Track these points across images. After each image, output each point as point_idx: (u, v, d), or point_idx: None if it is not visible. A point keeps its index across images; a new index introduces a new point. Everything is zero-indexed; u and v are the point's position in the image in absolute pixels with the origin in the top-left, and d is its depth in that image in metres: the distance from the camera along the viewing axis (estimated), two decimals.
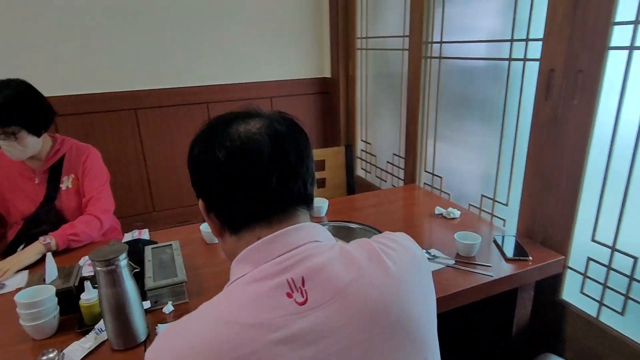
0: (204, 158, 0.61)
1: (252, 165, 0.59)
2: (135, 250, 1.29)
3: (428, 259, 1.31)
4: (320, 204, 1.66)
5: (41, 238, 1.39)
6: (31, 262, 1.34)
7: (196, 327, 0.54)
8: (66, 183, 1.55)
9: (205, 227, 1.48)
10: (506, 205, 1.64)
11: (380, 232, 1.48)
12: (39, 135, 1.44)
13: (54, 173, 1.53)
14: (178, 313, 1.10)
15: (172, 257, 1.26)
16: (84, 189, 1.57)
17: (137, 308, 0.97)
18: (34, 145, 1.44)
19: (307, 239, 0.60)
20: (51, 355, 0.92)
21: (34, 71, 2.17)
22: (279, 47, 2.74)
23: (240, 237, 0.62)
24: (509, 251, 1.36)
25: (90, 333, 1.00)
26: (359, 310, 0.56)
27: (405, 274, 0.62)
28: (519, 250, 1.36)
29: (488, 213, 1.72)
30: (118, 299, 0.93)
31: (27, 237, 1.48)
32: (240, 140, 0.60)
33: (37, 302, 0.98)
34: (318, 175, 2.12)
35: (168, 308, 1.10)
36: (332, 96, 2.92)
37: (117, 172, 2.41)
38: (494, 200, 1.69)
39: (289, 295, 0.55)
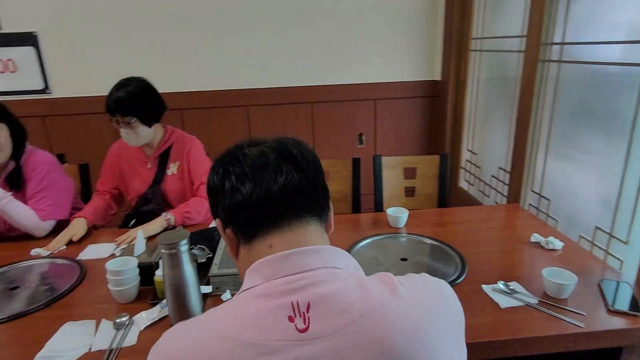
0: (220, 176, 0.66)
1: (259, 170, 0.63)
2: (212, 238, 1.41)
3: (504, 292, 1.15)
4: (399, 214, 1.59)
5: (163, 214, 1.61)
6: (154, 234, 1.54)
7: (197, 334, 0.56)
8: (172, 169, 1.77)
9: None
10: (626, 243, 1.35)
11: (458, 252, 1.36)
12: (149, 125, 1.66)
13: (163, 159, 1.76)
14: None
15: None
16: (192, 175, 1.76)
17: (193, 291, 1.05)
18: (145, 134, 1.66)
19: (322, 264, 0.59)
20: (124, 319, 1.07)
21: (159, 69, 2.50)
22: (387, 47, 2.69)
23: (252, 247, 0.63)
24: (619, 301, 1.11)
25: (156, 306, 1.12)
26: (365, 348, 0.52)
27: (426, 316, 0.56)
28: (633, 303, 1.11)
29: (602, 249, 1.43)
30: (177, 280, 1.02)
31: (137, 213, 1.74)
32: (251, 155, 0.65)
33: (122, 271, 1.14)
34: (408, 183, 2.03)
35: (226, 296, 1.17)
36: (440, 100, 2.76)
37: None
38: (610, 235, 1.41)
39: (291, 319, 0.54)
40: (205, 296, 1.16)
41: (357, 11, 2.59)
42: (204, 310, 1.10)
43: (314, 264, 0.58)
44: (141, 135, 1.66)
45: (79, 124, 2.55)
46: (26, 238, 1.59)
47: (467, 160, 2.62)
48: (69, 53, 2.44)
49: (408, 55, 2.72)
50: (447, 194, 2.04)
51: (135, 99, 1.61)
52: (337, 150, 2.82)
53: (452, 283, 1.19)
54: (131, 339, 1.02)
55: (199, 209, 1.68)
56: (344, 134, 2.81)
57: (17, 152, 1.59)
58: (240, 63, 2.59)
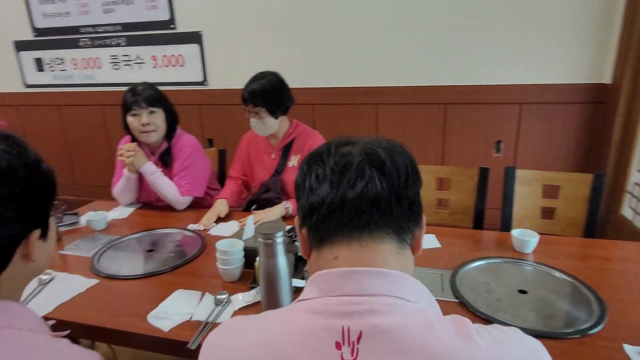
0: (303, 174, 0.62)
1: (339, 172, 0.57)
2: None
3: None
4: (527, 237, 1.37)
5: (283, 202, 1.73)
6: (273, 219, 1.62)
7: (243, 335, 0.55)
8: (293, 161, 1.84)
9: None
10: None
11: (598, 295, 1.10)
12: (276, 117, 1.75)
13: (286, 151, 1.85)
14: None
15: None
16: None
17: (285, 282, 1.07)
18: (271, 124, 1.76)
19: (386, 291, 0.53)
20: (223, 296, 1.15)
21: (297, 65, 2.62)
22: (539, 44, 2.32)
23: (320, 254, 0.60)
24: None
25: (253, 290, 1.18)
26: None
27: None
28: None
29: None
30: (270, 269, 1.05)
31: (257, 199, 1.86)
32: (337, 155, 0.60)
33: (228, 252, 1.23)
34: (547, 202, 1.73)
35: None
36: (607, 108, 2.29)
37: None
38: None
39: (338, 346, 0.50)
40: (297, 290, 1.17)
41: (501, 2, 2.31)
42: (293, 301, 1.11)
43: (377, 289, 0.53)
44: (267, 126, 1.77)
45: (228, 113, 2.85)
46: (169, 209, 1.84)
47: (635, 184, 2.13)
48: (225, 50, 2.75)
49: (568, 53, 2.31)
50: (600, 221, 1.69)
51: (266, 92, 1.71)
52: (469, 158, 2.58)
53: (581, 333, 0.97)
54: (225, 316, 1.09)
55: None
56: (479, 140, 2.56)
57: (170, 134, 1.85)
58: (371, 60, 2.56)
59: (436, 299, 1.04)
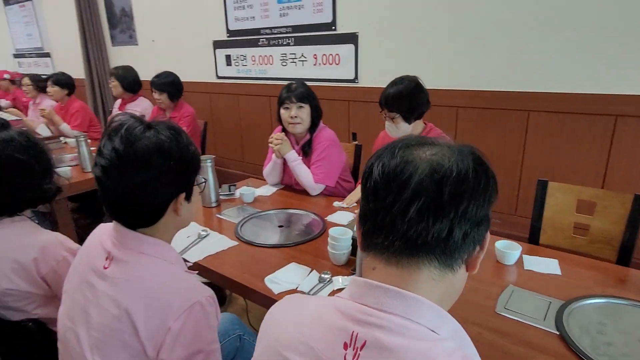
0: (365, 173, 0.63)
1: (396, 189, 0.56)
2: None
3: None
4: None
5: None
6: None
7: (291, 311, 0.66)
8: None
9: (499, 245, 1.41)
10: None
11: None
12: (409, 123, 1.82)
13: None
14: None
15: None
16: None
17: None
18: (404, 129, 1.84)
19: (402, 313, 0.55)
20: (326, 276, 1.31)
21: (439, 66, 2.58)
22: None
23: (366, 258, 0.62)
24: None
25: (352, 276, 1.31)
26: None
27: None
28: None
29: None
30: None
31: None
32: (400, 159, 0.58)
33: (337, 238, 1.38)
34: (581, 219, 1.39)
35: None
36: None
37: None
38: None
39: (345, 347, 0.55)
40: None
41: None
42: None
43: (393, 308, 0.55)
44: (400, 130, 1.85)
45: (373, 110, 3.00)
46: (304, 193, 2.10)
47: None
48: (377, 50, 2.89)
49: None
50: (634, 243, 1.31)
51: (402, 98, 1.79)
52: (635, 182, 2.18)
53: None
54: (324, 292, 1.25)
55: None
56: None
57: (313, 128, 2.09)
58: (520, 63, 2.35)
59: (532, 326, 1.01)
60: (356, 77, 3.02)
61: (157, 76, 3.10)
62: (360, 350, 0.54)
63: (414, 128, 1.87)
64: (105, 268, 0.88)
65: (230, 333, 1.28)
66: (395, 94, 1.79)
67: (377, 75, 2.91)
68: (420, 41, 2.67)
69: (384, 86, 1.87)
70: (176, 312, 0.80)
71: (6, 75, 5.08)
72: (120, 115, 0.90)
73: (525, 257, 1.41)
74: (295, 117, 2.02)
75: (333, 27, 3.03)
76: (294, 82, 2.08)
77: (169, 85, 3.05)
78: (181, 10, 4.05)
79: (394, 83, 1.84)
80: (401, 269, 0.58)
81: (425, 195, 0.55)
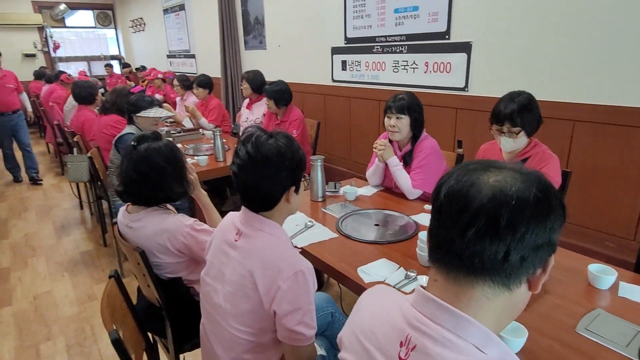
0: (437, 188, 0.68)
1: (456, 212, 0.61)
2: None
3: None
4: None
5: None
6: None
7: (371, 303, 0.79)
8: None
9: (593, 269, 1.40)
10: None
11: None
12: (530, 136, 1.85)
13: None
14: None
15: None
16: None
17: None
18: (520, 142, 1.85)
19: (450, 327, 0.61)
20: (412, 274, 1.46)
21: (557, 77, 2.46)
22: None
23: (430, 269, 0.70)
24: None
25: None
26: None
27: None
28: None
29: None
30: None
31: None
32: (465, 182, 0.62)
33: (425, 241, 1.52)
34: None
35: None
36: None
37: (611, 184, 2.33)
38: None
39: (400, 345, 0.65)
40: None
41: None
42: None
43: (443, 321, 0.62)
44: (517, 144, 1.85)
45: (481, 118, 2.99)
46: (401, 197, 2.24)
47: None
48: (490, 59, 2.86)
49: None
50: None
51: (527, 112, 1.79)
52: None
53: None
54: (408, 288, 1.41)
55: None
56: None
57: (414, 138, 2.21)
58: None
59: (611, 350, 1.06)
60: (466, 86, 3.03)
61: (270, 84, 3.46)
62: (411, 352, 0.63)
63: (522, 143, 1.87)
64: (235, 241, 1.17)
65: (325, 309, 1.52)
66: (520, 108, 1.78)
67: (489, 84, 2.89)
68: (536, 51, 2.59)
69: (495, 96, 1.88)
70: (285, 275, 1.06)
71: (159, 76, 6.11)
72: (250, 127, 1.19)
73: (622, 283, 1.38)
74: (394, 126, 2.18)
75: (447, 36, 3.07)
76: (401, 93, 2.22)
77: (276, 93, 3.38)
78: (305, 20, 4.44)
79: (512, 97, 1.82)
80: (457, 285, 0.64)
81: (484, 219, 0.59)
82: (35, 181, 5.30)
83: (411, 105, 2.17)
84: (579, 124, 2.46)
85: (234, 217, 1.24)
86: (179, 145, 3.57)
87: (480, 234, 0.59)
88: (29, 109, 5.61)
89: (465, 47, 2.97)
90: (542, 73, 2.58)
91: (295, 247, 1.60)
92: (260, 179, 1.12)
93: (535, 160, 1.86)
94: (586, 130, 2.44)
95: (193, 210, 2.95)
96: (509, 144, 1.85)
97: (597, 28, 2.32)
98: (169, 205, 1.69)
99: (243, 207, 1.21)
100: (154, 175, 1.55)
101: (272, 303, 1.08)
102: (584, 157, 2.46)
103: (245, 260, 1.12)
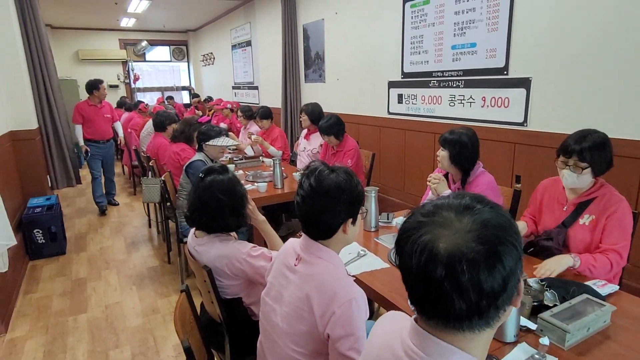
0: (399, 240, 0.75)
1: (421, 272, 0.66)
2: (568, 291, 1.48)
3: None
4: None
5: (574, 255, 1.71)
6: (562, 270, 1.68)
7: (380, 329, 0.89)
8: (585, 220, 1.83)
9: None
10: None
11: None
12: (595, 175, 1.79)
13: (580, 208, 1.85)
14: (549, 350, 1.27)
15: (594, 312, 1.35)
16: (605, 235, 1.76)
17: (513, 316, 1.28)
18: (584, 181, 1.80)
19: (437, 358, 0.69)
20: None
21: (624, 116, 2.37)
22: None
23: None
24: None
25: None
26: None
27: None
28: None
29: None
30: None
31: (536, 244, 1.95)
32: (425, 236, 0.68)
33: None
34: None
35: (543, 340, 1.30)
36: None
37: None
38: None
39: None
40: (524, 329, 1.34)
41: None
42: (516, 337, 1.30)
43: (431, 353, 0.70)
44: (580, 181, 1.80)
45: (540, 154, 2.92)
46: None
47: None
48: (551, 95, 2.82)
49: None
50: None
51: (599, 151, 1.74)
52: None
53: None
54: None
55: (603, 267, 1.71)
56: None
57: (465, 173, 2.21)
58: None
59: None
60: (525, 121, 2.99)
61: (323, 120, 3.55)
62: None
63: (586, 182, 1.82)
64: (295, 265, 1.27)
65: None
66: (592, 145, 1.74)
67: (550, 120, 2.84)
68: (599, 86, 2.53)
69: (556, 131, 1.86)
70: (340, 301, 1.14)
71: (228, 106, 6.57)
72: (314, 162, 1.30)
73: None
74: (438, 156, 2.24)
75: (505, 72, 3.08)
76: (459, 128, 2.24)
77: (332, 127, 3.46)
78: (364, 54, 4.62)
79: (586, 133, 1.78)
80: (443, 327, 0.70)
81: (445, 284, 0.64)
82: (112, 204, 5.68)
83: (450, 140, 2.18)
84: None
85: (294, 243, 1.35)
86: (239, 172, 3.86)
87: (444, 293, 0.64)
88: (121, 134, 5.90)
89: (524, 83, 2.96)
90: (606, 109, 2.50)
91: (350, 275, 1.68)
92: (321, 210, 1.22)
93: (603, 203, 1.80)
94: None
95: (251, 235, 3.12)
96: (572, 178, 1.79)
97: None
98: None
99: (303, 234, 1.31)
100: (212, 206, 1.70)
101: (327, 327, 1.15)
102: None
103: (303, 284, 1.21)
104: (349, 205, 1.23)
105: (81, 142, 5.03)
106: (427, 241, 0.66)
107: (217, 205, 1.70)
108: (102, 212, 5.32)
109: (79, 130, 4.99)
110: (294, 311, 1.21)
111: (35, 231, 3.88)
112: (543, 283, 1.51)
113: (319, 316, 1.16)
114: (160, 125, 4.45)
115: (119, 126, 5.85)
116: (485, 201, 0.71)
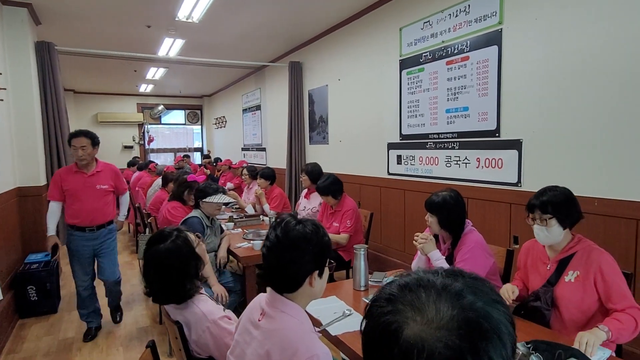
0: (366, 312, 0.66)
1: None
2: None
3: None
4: None
5: (601, 325, 1.58)
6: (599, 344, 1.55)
7: None
8: (570, 277, 1.78)
9: None
10: None
11: None
12: (564, 227, 1.78)
13: (562, 265, 1.82)
14: None
15: None
16: (609, 293, 1.70)
17: None
18: (555, 235, 1.80)
19: None
20: None
21: (615, 176, 2.36)
22: None
23: None
24: None
25: None
26: None
27: None
28: None
29: None
30: None
31: (525, 306, 1.89)
32: (390, 345, 0.58)
33: None
34: None
35: None
36: None
37: None
38: None
39: None
40: None
41: None
42: None
43: None
44: (551, 234, 1.80)
45: None
46: None
47: None
48: (543, 156, 2.84)
49: None
50: None
51: (560, 202, 1.78)
52: None
53: None
54: None
55: (629, 325, 1.60)
56: None
57: (455, 235, 2.20)
58: None
59: None
60: (519, 181, 2.99)
61: (321, 179, 3.66)
62: None
63: (563, 237, 1.81)
64: (259, 320, 1.23)
65: None
66: (551, 198, 1.80)
67: (543, 180, 2.82)
68: (589, 147, 2.55)
69: None
70: (300, 358, 1.08)
71: (244, 165, 6.56)
72: (283, 214, 1.31)
73: None
74: (427, 220, 2.22)
75: (497, 134, 3.14)
76: (440, 191, 2.25)
77: (329, 187, 3.55)
78: (365, 118, 4.79)
79: (546, 189, 1.85)
80: None
81: None
82: (115, 321, 3.74)
83: (438, 206, 2.19)
84: None
85: (261, 298, 1.32)
86: (237, 230, 3.86)
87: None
88: (122, 212, 3.67)
89: (515, 145, 3.00)
90: (598, 169, 2.51)
91: (318, 331, 1.61)
92: (287, 261, 1.20)
93: (585, 257, 1.77)
94: None
95: (244, 291, 3.05)
96: (542, 232, 1.81)
97: None
98: (203, 291, 1.75)
99: (269, 288, 1.28)
100: (162, 275, 1.59)
101: None
102: None
103: (265, 340, 1.17)
104: (315, 257, 1.22)
105: (50, 231, 3.20)
106: (392, 321, 0.58)
107: (166, 274, 1.59)
108: (87, 337, 3.39)
109: (52, 211, 3.19)
110: None
111: (29, 287, 3.84)
112: (529, 346, 1.42)
113: None
114: (164, 180, 4.59)
115: (125, 202, 3.63)
116: (481, 292, 0.59)
